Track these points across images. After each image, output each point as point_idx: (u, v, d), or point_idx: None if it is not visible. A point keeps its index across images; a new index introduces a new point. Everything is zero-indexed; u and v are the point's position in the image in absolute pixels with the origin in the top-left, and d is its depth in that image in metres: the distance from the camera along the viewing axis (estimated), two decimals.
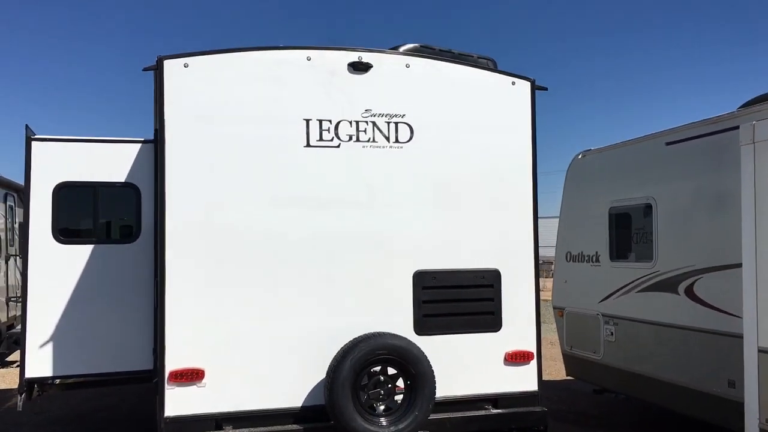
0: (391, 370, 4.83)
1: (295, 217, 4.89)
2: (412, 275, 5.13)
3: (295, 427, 4.74)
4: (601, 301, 7.49)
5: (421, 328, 5.11)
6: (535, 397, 5.36)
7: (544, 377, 11.24)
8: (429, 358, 5.03)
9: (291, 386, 4.78)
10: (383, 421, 4.72)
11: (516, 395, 5.33)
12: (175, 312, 4.62)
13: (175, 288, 4.63)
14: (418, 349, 4.86)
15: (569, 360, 8.29)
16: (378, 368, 4.79)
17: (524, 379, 5.36)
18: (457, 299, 5.25)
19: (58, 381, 6.89)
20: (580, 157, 8.23)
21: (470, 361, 5.23)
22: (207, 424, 4.62)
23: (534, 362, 5.39)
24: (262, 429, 4.68)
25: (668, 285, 6.47)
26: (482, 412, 5.19)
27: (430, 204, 5.22)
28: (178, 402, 4.58)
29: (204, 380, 4.63)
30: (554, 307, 8.63)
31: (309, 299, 4.87)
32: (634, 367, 6.97)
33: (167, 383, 4.57)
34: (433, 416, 5.01)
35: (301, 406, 4.81)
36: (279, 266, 4.83)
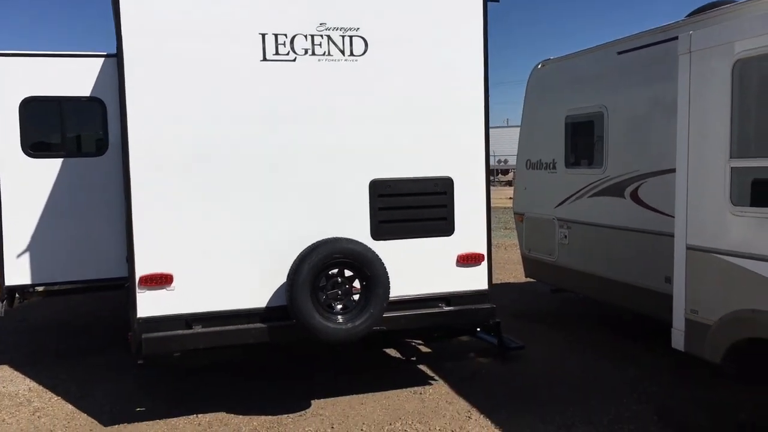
0: (348, 273, 5.18)
1: (253, 131, 5.10)
2: (368, 184, 5.41)
3: (259, 325, 5.13)
4: (557, 206, 7.87)
5: (377, 234, 5.44)
6: (485, 295, 5.78)
7: (507, 280, 11.97)
8: (385, 261, 5.39)
9: (256, 289, 5.14)
10: (340, 318, 5.12)
11: (467, 294, 5.74)
12: (142, 221, 4.90)
13: (141, 199, 4.89)
14: (373, 252, 5.20)
15: (528, 262, 8.75)
16: (335, 271, 5.14)
17: (475, 279, 5.76)
18: (412, 206, 5.56)
19: (39, 288, 7.26)
20: (539, 66, 8.41)
21: (424, 264, 5.60)
22: (177, 323, 4.99)
23: (485, 263, 5.77)
24: (229, 327, 5.07)
25: (616, 189, 6.82)
26: (435, 310, 5.61)
27: (384, 116, 5.44)
28: (149, 304, 4.93)
29: (173, 284, 4.96)
30: (514, 213, 9.02)
31: (270, 208, 5.15)
32: (584, 267, 7.42)
33: (138, 287, 4.90)
34: (388, 314, 5.42)
35: (266, 307, 5.18)
36: (240, 178, 5.08)
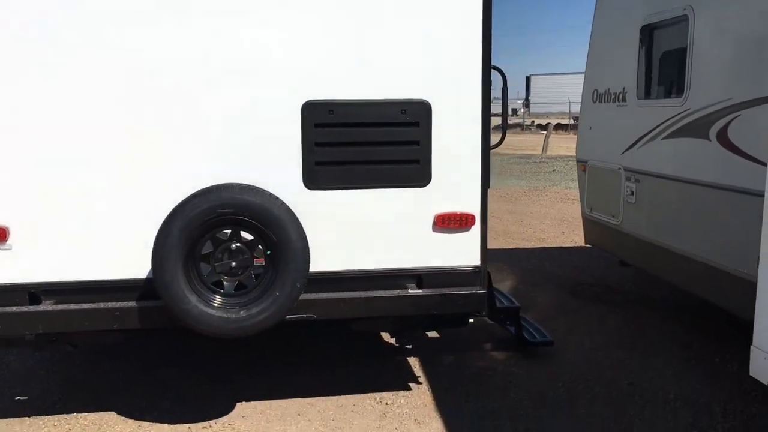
0: (247, 236, 3.57)
1: (117, 32, 3.52)
2: (300, 109, 3.72)
3: (130, 304, 3.64)
4: (625, 151, 5.82)
5: (312, 181, 3.77)
6: (475, 274, 3.99)
7: (575, 242, 9.80)
8: (323, 220, 3.75)
9: (127, 254, 3.63)
10: (231, 302, 3.52)
11: (449, 272, 3.97)
12: None
13: None
14: (282, 207, 3.53)
15: (588, 225, 6.76)
16: (227, 233, 3.54)
17: (461, 251, 3.98)
18: (366, 142, 3.83)
19: None
20: None
21: (384, 226, 3.88)
22: (17, 296, 3.59)
23: (476, 228, 3.97)
24: (89, 306, 3.62)
25: (698, 128, 4.73)
26: (395, 293, 3.90)
27: (327, 11, 3.70)
28: None
29: (8, 241, 3.54)
30: (577, 161, 6.99)
31: (148, 143, 3.59)
32: (652, 236, 5.39)
33: None
34: (323, 297, 3.79)
35: (145, 278, 3.68)
36: (100, 98, 3.54)
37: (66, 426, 4.03)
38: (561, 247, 9.28)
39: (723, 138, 4.39)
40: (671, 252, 5.06)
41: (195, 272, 3.48)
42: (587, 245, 7.11)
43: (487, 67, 3.96)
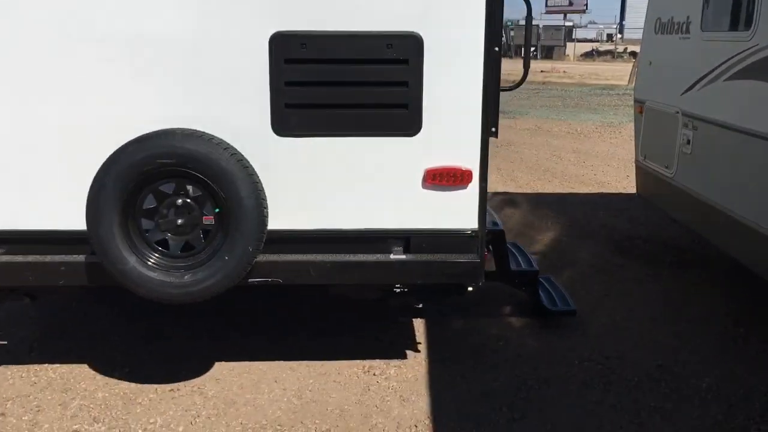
0: (195, 191, 3.12)
1: None
2: (268, 41, 3.19)
3: (76, 258, 3.30)
4: (684, 92, 5.00)
5: (283, 126, 3.27)
6: (471, 239, 3.44)
7: (625, 187, 8.87)
8: (297, 170, 3.29)
9: (72, 204, 3.26)
10: (175, 265, 3.12)
11: (441, 234, 3.44)
12: None
13: None
14: (232, 159, 3.05)
15: (641, 175, 6.00)
16: (172, 187, 3.10)
17: (455, 212, 3.42)
18: (345, 82, 3.27)
19: None
20: None
21: (365, 180, 3.36)
22: None
23: (474, 186, 3.39)
24: (33, 258, 3.31)
25: (765, 69, 3.90)
26: (375, 257, 3.41)
27: None
28: None
29: None
30: (634, 101, 6.16)
31: (84, 84, 3.16)
32: (706, 193, 4.65)
33: None
34: (291, 257, 3.35)
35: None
36: (31, 46, 3.12)
37: (33, 378, 3.83)
38: (621, 194, 8.48)
39: None
40: (724, 215, 4.32)
41: (136, 229, 3.09)
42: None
43: None
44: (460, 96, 3.31)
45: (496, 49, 3.39)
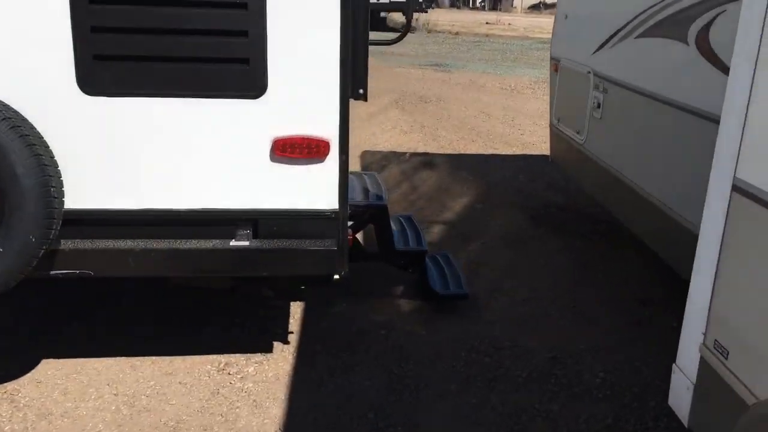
0: None
1: None
2: None
3: None
4: (596, 51, 4.53)
5: (91, 83, 2.65)
6: (330, 222, 2.91)
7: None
8: (109, 139, 2.69)
9: None
10: None
11: (293, 216, 2.90)
12: None
13: None
14: (4, 126, 2.44)
15: (554, 139, 5.56)
16: None
17: (310, 189, 2.88)
18: (168, 29, 2.66)
19: None
20: None
21: (198, 150, 2.79)
22: None
23: (332, 159, 2.85)
24: None
25: (676, 25, 3.43)
26: (211, 244, 2.86)
27: None
28: None
29: None
30: (550, 59, 5.68)
31: None
32: (613, 163, 4.22)
33: None
34: (103, 244, 2.77)
35: None
36: None
37: None
38: (543, 156, 8.06)
39: (703, 42, 3.11)
40: (631, 190, 3.90)
41: None
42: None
43: None
44: (313, 49, 2.74)
45: None
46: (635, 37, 3.89)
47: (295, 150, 2.82)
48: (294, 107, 2.79)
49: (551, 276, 4.63)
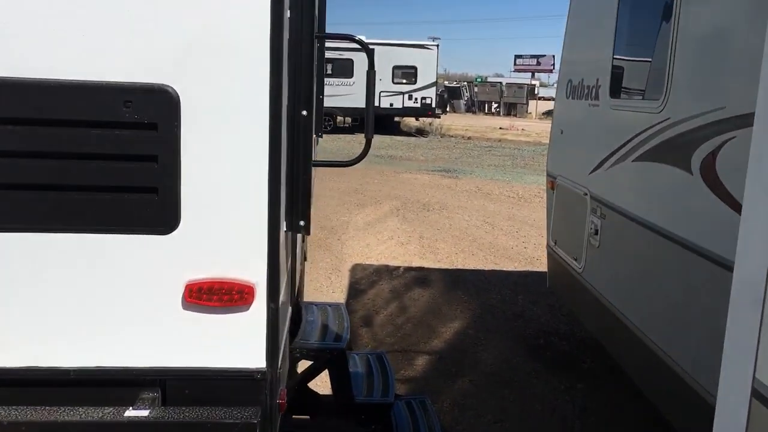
0: None
1: None
2: None
3: None
4: (593, 171, 4.08)
5: None
6: (254, 384, 2.37)
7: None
8: None
9: None
10: None
11: (208, 378, 2.37)
12: None
13: None
14: None
15: (551, 263, 5.04)
16: None
17: (231, 344, 2.36)
18: (61, 153, 2.23)
19: None
20: None
21: (94, 296, 2.30)
22: None
23: (260, 306, 2.34)
24: None
25: (678, 150, 2.98)
26: (99, 415, 2.31)
27: None
28: None
29: None
30: (547, 175, 5.25)
31: None
32: (610, 300, 3.67)
33: None
34: None
35: None
36: None
37: None
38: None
39: (708, 171, 2.64)
40: (629, 331, 3.33)
41: None
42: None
43: (309, 33, 2.37)
44: (236, 175, 2.29)
45: (304, 113, 2.44)
46: (632, 160, 3.43)
47: (212, 296, 2.32)
48: (211, 245, 2.31)
49: (547, 427, 4.00)
